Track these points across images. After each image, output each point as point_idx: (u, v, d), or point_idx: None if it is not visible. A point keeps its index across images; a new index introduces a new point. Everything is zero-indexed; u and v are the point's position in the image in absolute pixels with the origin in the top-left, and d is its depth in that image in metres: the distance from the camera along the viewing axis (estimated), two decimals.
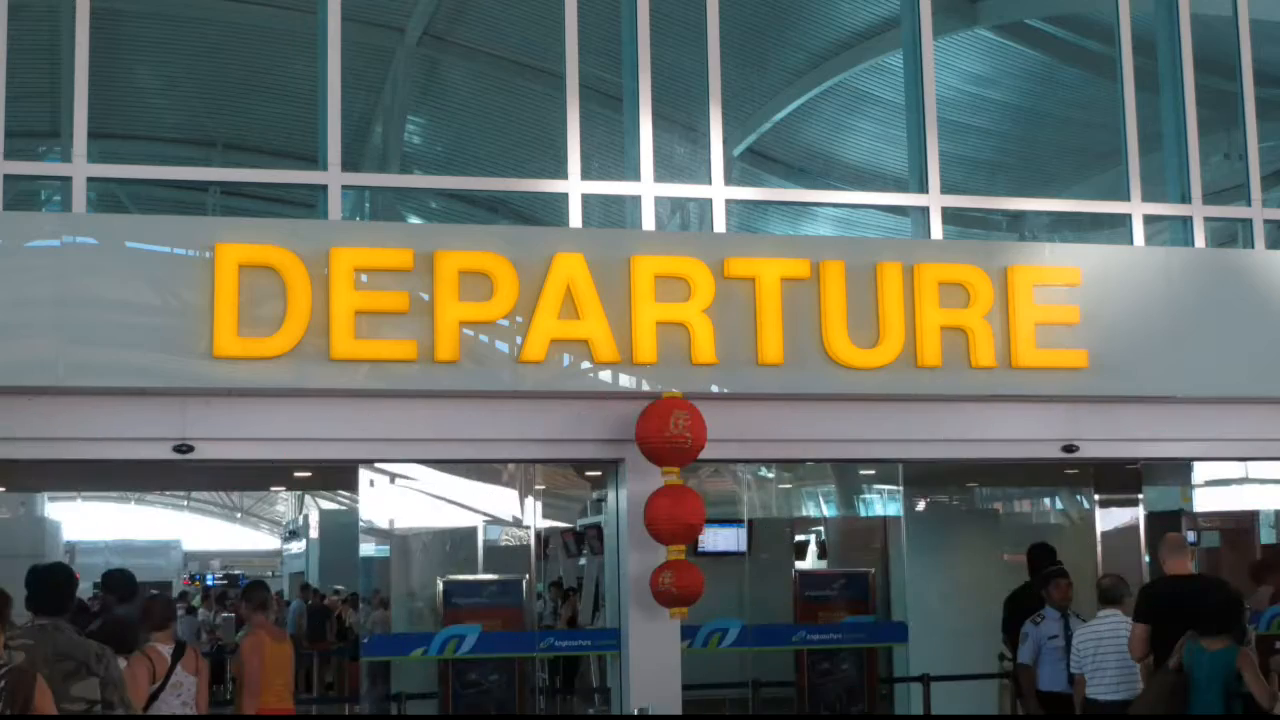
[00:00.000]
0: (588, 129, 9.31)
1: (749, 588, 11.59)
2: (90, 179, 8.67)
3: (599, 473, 10.32)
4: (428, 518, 11.15)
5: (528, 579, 10.62)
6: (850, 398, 9.16)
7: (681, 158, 10.49)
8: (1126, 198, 10.20)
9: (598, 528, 11.97)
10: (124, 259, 8.27)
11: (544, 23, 10.28)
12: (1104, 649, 8.40)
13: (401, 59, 12.43)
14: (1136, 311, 9.55)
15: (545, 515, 13.42)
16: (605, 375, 8.74)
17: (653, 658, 8.85)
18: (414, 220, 12.02)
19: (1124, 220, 10.22)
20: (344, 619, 17.94)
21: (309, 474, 13.11)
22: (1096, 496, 11.59)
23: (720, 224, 9.49)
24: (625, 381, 8.77)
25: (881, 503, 13.68)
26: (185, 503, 41.65)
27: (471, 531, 11.47)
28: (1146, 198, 10.22)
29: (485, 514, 11.48)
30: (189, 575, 33.61)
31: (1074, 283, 9.43)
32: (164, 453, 8.38)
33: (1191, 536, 12.98)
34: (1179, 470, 12.74)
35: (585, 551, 13.97)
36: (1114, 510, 11.59)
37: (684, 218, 10.20)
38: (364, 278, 8.40)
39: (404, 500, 10.77)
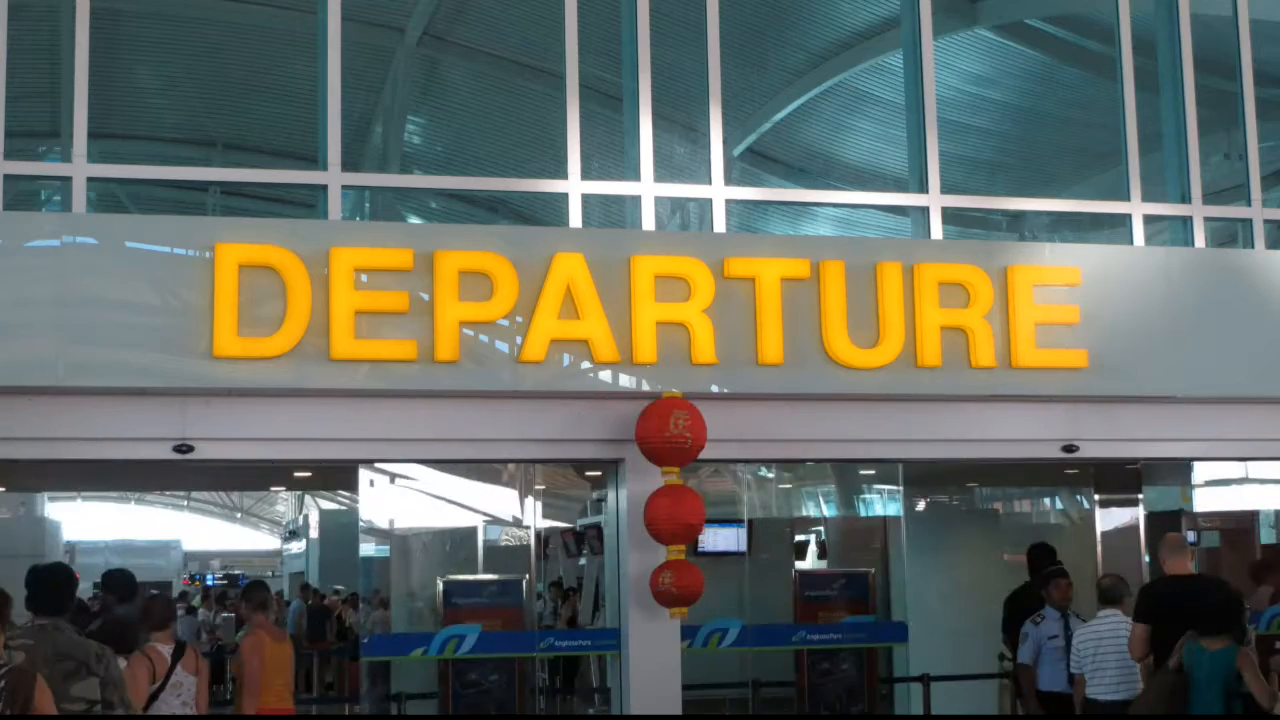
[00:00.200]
0: (588, 129, 9.31)
1: (749, 588, 11.59)
2: (90, 179, 8.67)
3: (599, 473, 10.32)
4: (428, 518, 11.16)
5: (528, 579, 10.62)
6: (850, 398, 9.16)
7: (681, 158, 10.49)
8: (1126, 198, 10.20)
9: (598, 528, 11.98)
10: (124, 259, 8.27)
11: (544, 23, 10.28)
12: (1104, 649, 8.40)
13: (401, 59, 12.43)
14: (1136, 311, 9.55)
15: (545, 515, 13.43)
16: (605, 375, 8.74)
17: (653, 658, 8.85)
18: (414, 220, 12.02)
19: (1124, 220, 10.22)
20: (344, 619, 17.95)
21: (309, 474, 13.11)
22: (1096, 496, 11.59)
23: (720, 224, 9.49)
24: (625, 381, 8.77)
25: (881, 503, 13.69)
26: (185, 503, 41.66)
27: (471, 531, 11.47)
28: (1146, 198, 10.22)
29: (485, 514, 11.48)
30: (189, 575, 33.61)
31: (1074, 283, 9.43)
32: (164, 453, 8.38)
33: (1191, 536, 12.98)
34: (1179, 470, 12.74)
35: (585, 551, 13.98)
36: (1114, 510, 11.59)
37: (684, 218, 10.21)
38: (364, 278, 8.40)
39: (404, 500, 10.77)
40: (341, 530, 20.45)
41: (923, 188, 9.84)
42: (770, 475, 13.29)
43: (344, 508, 25.22)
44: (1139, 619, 8.14)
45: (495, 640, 9.79)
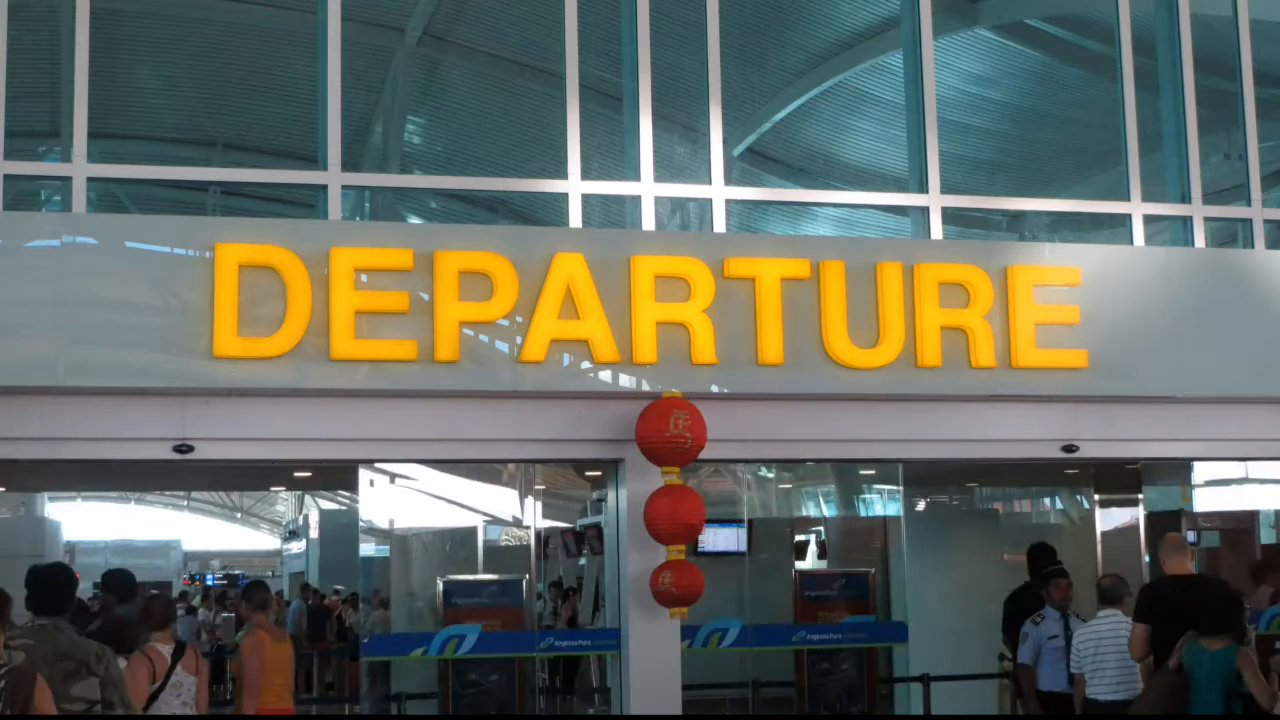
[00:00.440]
0: (588, 129, 9.31)
1: (749, 588, 11.59)
2: (90, 179, 8.67)
3: (599, 473, 10.32)
4: (428, 518, 11.16)
5: (528, 579, 10.62)
6: (850, 398, 9.16)
7: (681, 158, 10.49)
8: (1126, 198, 10.20)
9: (598, 528, 11.98)
10: (124, 259, 8.27)
11: (544, 23, 10.28)
12: (1104, 649, 8.40)
13: (401, 59, 12.42)
14: (1136, 311, 9.55)
15: (545, 515, 13.43)
16: (605, 375, 8.74)
17: (653, 658, 8.85)
18: (414, 220, 12.02)
19: (1124, 220, 10.22)
20: (344, 619, 17.95)
21: (309, 474, 13.11)
22: (1096, 496, 11.58)
23: (720, 224, 9.49)
24: (625, 381, 8.77)
25: (881, 503, 13.69)
26: (185, 503, 41.68)
27: (471, 531, 11.47)
28: (1146, 198, 10.22)
29: (485, 514, 11.49)
30: (189, 575, 33.62)
31: (1074, 283, 9.43)
32: (164, 453, 8.38)
33: (1191, 536, 12.97)
34: (1179, 470, 12.74)
35: (585, 551, 13.98)
36: (1114, 510, 11.58)
37: (684, 218, 10.21)
38: (364, 278, 8.40)
39: (404, 500, 10.77)
40: (341, 530, 20.46)
41: (923, 188, 9.84)
42: (770, 475, 13.29)
43: (344, 508, 25.23)
44: (1139, 619, 8.13)
45: (495, 640, 9.79)
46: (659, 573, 8.57)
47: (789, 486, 14.19)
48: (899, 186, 10.66)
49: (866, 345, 9.02)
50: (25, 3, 9.37)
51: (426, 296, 8.46)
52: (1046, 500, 13.54)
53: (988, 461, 10.69)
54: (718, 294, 8.84)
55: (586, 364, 8.70)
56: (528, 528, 11.25)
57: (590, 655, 12.29)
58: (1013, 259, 9.41)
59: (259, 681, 8.75)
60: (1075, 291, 9.43)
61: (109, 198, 10.36)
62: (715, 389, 8.87)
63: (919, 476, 11.93)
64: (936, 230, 9.78)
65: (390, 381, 8.44)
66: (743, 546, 12.04)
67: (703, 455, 8.73)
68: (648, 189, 9.38)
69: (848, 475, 14.02)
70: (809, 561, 13.21)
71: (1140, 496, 11.70)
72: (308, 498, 31.47)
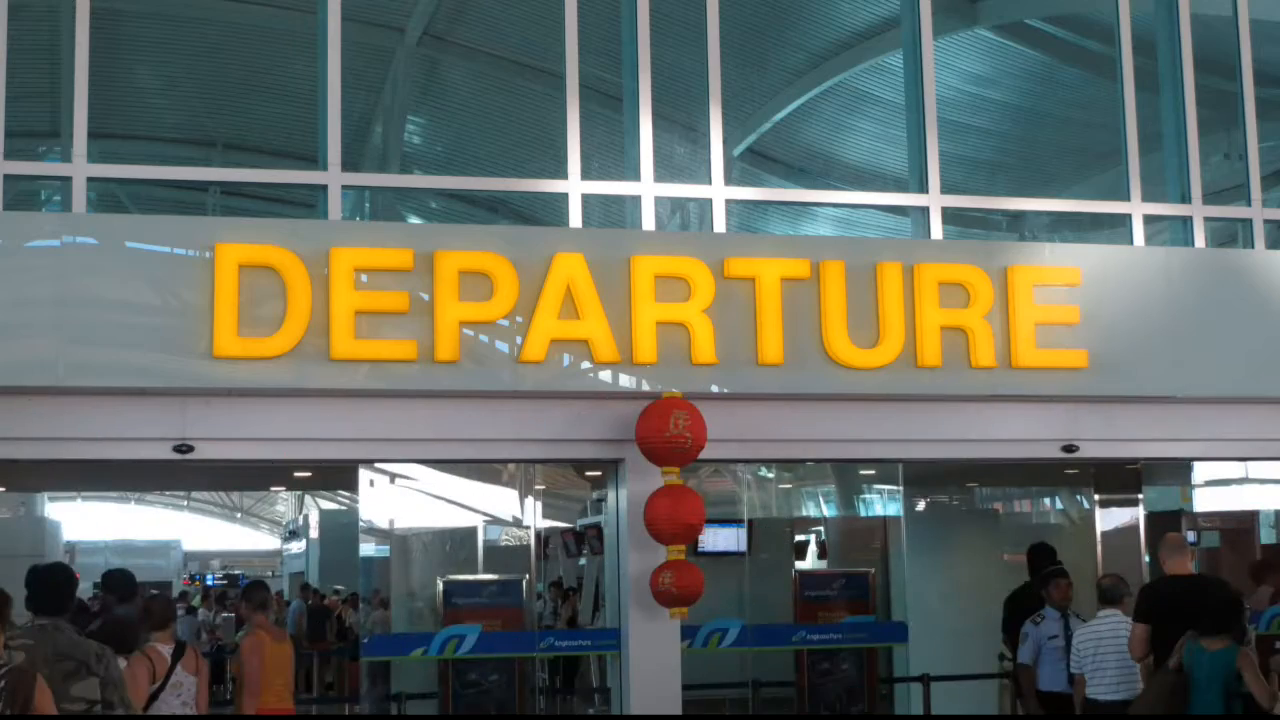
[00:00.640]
0: (588, 129, 9.31)
1: (749, 588, 11.59)
2: (90, 179, 8.67)
3: (599, 473, 10.32)
4: (428, 518, 11.16)
5: (528, 579, 10.62)
6: (850, 398, 9.16)
7: (681, 158, 10.49)
8: (1126, 198, 10.20)
9: (598, 528, 11.98)
10: (124, 259, 8.27)
11: (544, 23, 10.28)
12: (1104, 649, 8.40)
13: (401, 59, 12.42)
14: (1136, 311, 9.55)
15: (545, 515, 13.43)
16: (605, 375, 8.74)
17: (653, 658, 8.85)
18: (414, 220, 12.02)
19: (1124, 220, 10.22)
20: (344, 619, 17.95)
21: (309, 474, 13.11)
22: (1096, 496, 11.58)
23: (720, 224, 9.49)
24: (625, 381, 8.77)
25: (881, 503, 13.69)
26: (185, 503, 41.68)
27: (471, 531, 11.47)
28: (1146, 198, 10.22)
29: (485, 514, 11.49)
30: (189, 575, 33.62)
31: (1074, 283, 9.43)
32: (164, 453, 8.38)
33: (1191, 536, 12.97)
34: (1179, 470, 12.74)
35: (585, 551, 13.98)
36: (1114, 510, 11.58)
37: (684, 218, 10.21)
38: (364, 278, 8.40)
39: (404, 500, 10.77)
40: (341, 530, 20.46)
41: (923, 188, 9.84)
42: (770, 475, 13.29)
43: (344, 508, 25.23)
44: (1139, 619, 8.13)
45: (495, 640, 9.79)
46: (659, 573, 8.57)
47: (789, 486, 14.19)
48: (899, 186, 10.66)
49: (866, 345, 9.02)
50: (25, 3, 9.36)
51: (426, 296, 8.46)
52: (1046, 500, 13.54)
53: (988, 461, 10.69)
54: (718, 294, 8.84)
55: (586, 364, 8.70)
56: (528, 528, 11.25)
57: (590, 655, 12.29)
58: (1013, 259, 9.41)
59: (259, 681, 8.75)
60: (1075, 291, 9.43)
61: (109, 198, 10.36)
62: (715, 389, 8.87)
63: (919, 476, 11.93)
64: (936, 230, 9.78)
65: (390, 381, 8.44)
66: (743, 546, 12.04)
67: (703, 455, 8.73)
68: (648, 189, 9.38)
69: (848, 475, 14.02)
70: (809, 561, 13.21)
71: (1140, 496, 11.70)
72: (308, 498, 31.47)
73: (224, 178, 10.89)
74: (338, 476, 13.39)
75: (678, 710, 8.84)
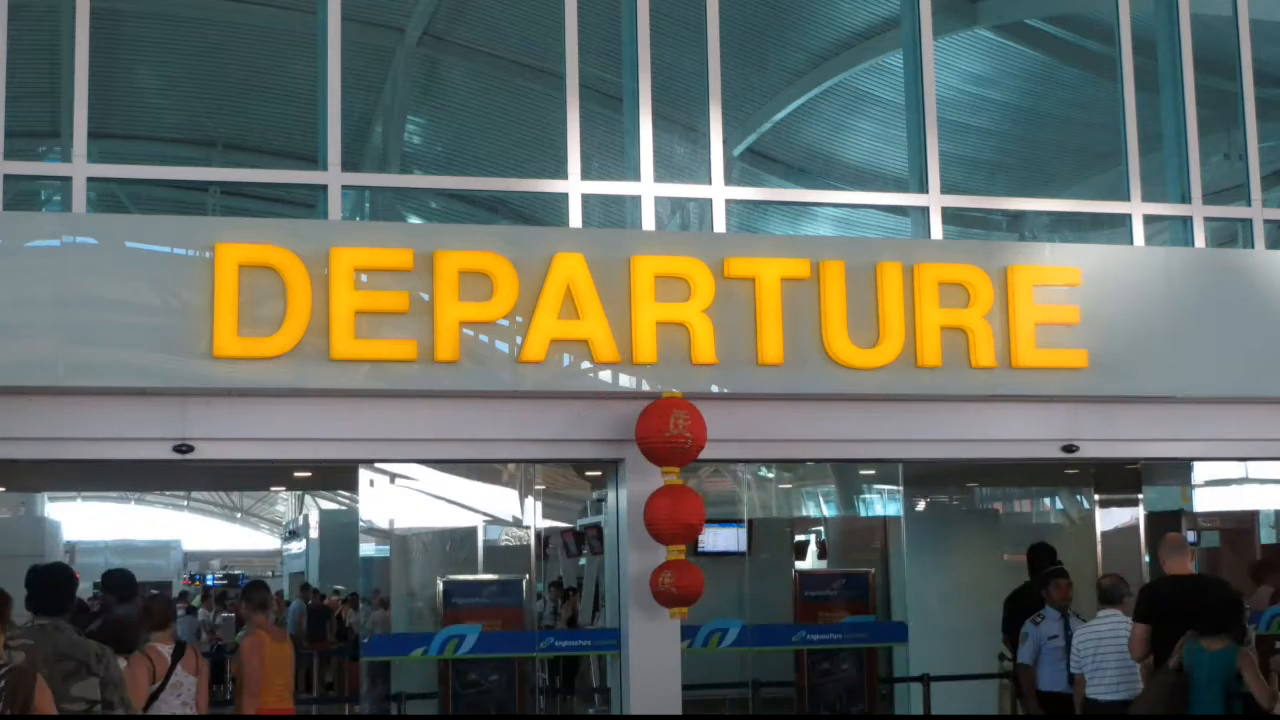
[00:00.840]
0: (588, 129, 9.31)
1: (749, 588, 11.59)
2: (90, 179, 8.67)
3: (599, 473, 10.32)
4: (428, 518, 11.16)
5: (528, 579, 10.62)
6: (850, 398, 9.16)
7: (681, 158, 10.49)
8: (1126, 198, 10.20)
9: (598, 528, 11.98)
10: (124, 259, 8.27)
11: (544, 23, 10.28)
12: (1104, 649, 8.40)
13: (401, 59, 12.42)
14: (1136, 311, 9.55)
15: (545, 515, 13.43)
16: (605, 375, 8.74)
17: (653, 658, 8.85)
18: (414, 220, 12.02)
19: (1124, 220, 10.22)
20: (344, 619, 17.95)
21: (309, 474, 13.11)
22: (1096, 496, 11.58)
23: (720, 224, 9.49)
24: (625, 381, 8.77)
25: (881, 503, 13.69)
26: (185, 503, 41.68)
27: (471, 531, 11.47)
28: (1146, 198, 10.22)
29: (485, 514, 11.49)
30: (189, 575, 33.62)
31: (1074, 283, 9.43)
32: (164, 453, 8.38)
33: (1191, 536, 12.97)
34: (1179, 470, 12.74)
35: (585, 551, 13.98)
36: (1114, 510, 11.58)
37: (684, 218, 10.20)
38: (364, 278, 8.40)
39: (404, 500, 10.77)
40: (341, 530, 20.46)
41: (923, 188, 9.84)
42: (770, 475, 13.29)
43: (344, 508, 25.23)
44: (1139, 619, 8.13)
45: (495, 640, 9.79)
46: (659, 573, 8.57)
47: (789, 486, 14.18)
48: (899, 186, 10.66)
49: (866, 345, 9.02)
50: (25, 3, 9.36)
51: (426, 296, 8.46)
52: (1046, 500, 13.54)
53: (988, 461, 10.69)
54: (718, 294, 8.84)
55: (586, 364, 8.70)
56: (528, 528, 11.25)
57: (590, 655, 12.29)
58: (1013, 259, 9.41)
59: (259, 681, 8.76)
60: (1075, 291, 9.43)
61: (109, 198, 10.36)
62: (715, 389, 8.87)
63: (919, 476, 11.93)
64: (936, 230, 9.78)
65: (390, 381, 8.44)
66: (743, 546, 12.04)
67: (703, 455, 8.73)
68: (648, 189, 9.38)
69: (848, 475, 14.02)
70: (809, 561, 13.21)
71: (1140, 496, 11.70)
72: (308, 498, 31.47)
73: (224, 178, 10.88)
74: (338, 476, 13.39)
75: (678, 710, 8.84)
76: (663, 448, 8.53)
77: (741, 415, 8.99)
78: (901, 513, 12.14)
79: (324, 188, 8.94)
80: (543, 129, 11.10)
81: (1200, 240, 10.22)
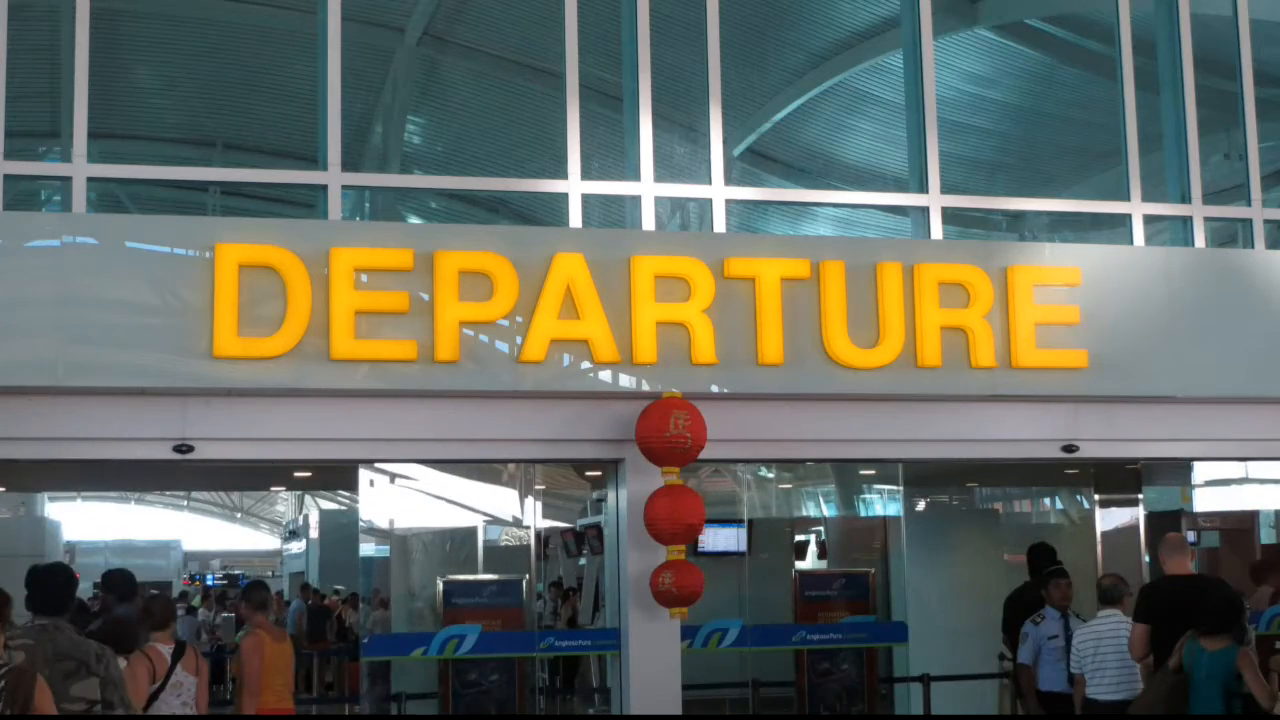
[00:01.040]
0: (588, 129, 9.31)
1: (749, 588, 11.59)
2: (90, 179, 8.67)
3: (599, 473, 10.32)
4: (428, 518, 11.16)
5: (528, 579, 10.63)
6: (850, 398, 9.16)
7: (681, 158, 10.49)
8: (1126, 198, 10.20)
9: (598, 528, 11.98)
10: (124, 259, 8.27)
11: (544, 23, 10.28)
12: (1104, 649, 8.40)
13: (401, 59, 12.42)
14: (1136, 311, 9.55)
15: (545, 515, 13.43)
16: (605, 375, 8.74)
17: (653, 658, 8.85)
18: (414, 220, 12.02)
19: (1124, 220, 10.22)
20: (344, 619, 17.95)
21: (309, 474, 13.11)
22: (1096, 496, 11.58)
23: (720, 224, 9.49)
24: (625, 381, 8.77)
25: (881, 503, 13.69)
26: (185, 503, 41.67)
27: (471, 531, 11.47)
28: (1146, 198, 10.22)
29: (485, 514, 11.49)
30: (189, 575, 33.61)
31: (1074, 283, 9.43)
32: (164, 453, 8.38)
33: (1191, 536, 12.98)
34: (1179, 470, 12.74)
35: (585, 551, 13.97)
36: (1114, 510, 11.58)
37: (684, 218, 10.20)
38: (364, 278, 8.40)
39: (404, 500, 10.77)
40: (341, 530, 20.47)
41: (923, 188, 9.84)
42: (770, 475, 13.28)
43: (344, 508, 25.24)
44: (1139, 619, 8.14)
45: (495, 640, 9.79)
46: (659, 573, 8.57)
47: (789, 486, 14.18)
48: (899, 186, 10.66)
49: (866, 345, 9.02)
50: (25, 3, 9.36)
51: (426, 296, 8.46)
52: (1046, 500, 13.54)
53: (988, 461, 10.69)
54: (718, 294, 8.84)
55: (586, 364, 8.70)
56: (528, 528, 11.25)
57: (590, 655, 12.29)
58: (1013, 259, 9.41)
59: (259, 681, 8.76)
60: (1075, 291, 9.43)
61: (109, 198, 10.35)
62: (715, 389, 8.87)
63: (919, 476, 11.94)
64: (936, 230, 9.78)
65: (390, 381, 8.44)
66: (743, 546, 12.04)
67: (703, 455, 8.73)
68: (648, 189, 9.38)
69: (848, 475, 14.01)
70: (809, 561, 13.21)
71: (1140, 496, 11.70)
72: (308, 498, 31.46)
73: (224, 178, 10.88)
74: (338, 476, 13.39)
75: (678, 710, 8.84)
76: (663, 448, 8.53)
77: (741, 415, 8.99)
78: (901, 513, 12.14)
79: (324, 188, 8.94)
80: (543, 129, 11.10)
81: (1200, 240, 10.22)
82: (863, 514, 14.15)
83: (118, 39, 10.95)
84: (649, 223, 9.35)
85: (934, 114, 9.87)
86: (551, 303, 8.57)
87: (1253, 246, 10.32)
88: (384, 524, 11.08)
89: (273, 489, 31.98)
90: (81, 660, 6.22)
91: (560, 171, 9.31)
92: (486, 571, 11.22)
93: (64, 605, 6.53)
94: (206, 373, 8.18)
